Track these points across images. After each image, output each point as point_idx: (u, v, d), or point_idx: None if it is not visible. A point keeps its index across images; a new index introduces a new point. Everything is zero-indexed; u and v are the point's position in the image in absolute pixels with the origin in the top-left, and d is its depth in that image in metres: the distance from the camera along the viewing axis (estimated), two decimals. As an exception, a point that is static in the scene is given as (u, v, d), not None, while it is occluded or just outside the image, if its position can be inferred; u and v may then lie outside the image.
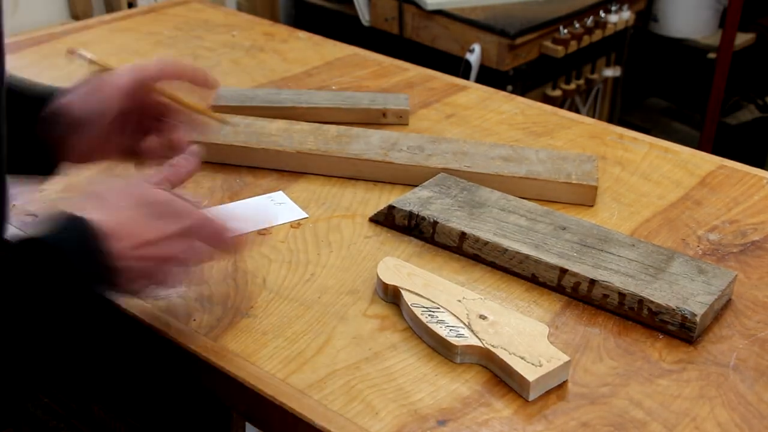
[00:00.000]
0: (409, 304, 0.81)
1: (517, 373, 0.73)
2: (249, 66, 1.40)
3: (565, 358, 0.75)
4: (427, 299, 0.82)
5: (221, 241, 0.76)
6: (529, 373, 0.73)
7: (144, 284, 0.74)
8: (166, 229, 0.73)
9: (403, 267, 0.86)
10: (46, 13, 2.22)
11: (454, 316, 0.80)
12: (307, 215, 0.99)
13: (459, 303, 0.81)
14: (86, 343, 0.78)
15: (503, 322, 0.79)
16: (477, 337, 0.77)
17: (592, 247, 0.89)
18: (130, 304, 0.83)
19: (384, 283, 0.84)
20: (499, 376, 0.75)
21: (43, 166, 0.86)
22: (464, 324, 0.78)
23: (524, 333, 0.77)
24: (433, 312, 0.80)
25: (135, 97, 0.85)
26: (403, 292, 0.82)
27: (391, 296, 0.84)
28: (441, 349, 0.78)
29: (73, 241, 0.69)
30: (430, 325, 0.78)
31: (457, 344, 0.76)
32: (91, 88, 0.83)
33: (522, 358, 0.74)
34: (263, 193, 1.03)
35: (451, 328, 0.78)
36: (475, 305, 0.81)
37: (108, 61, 1.42)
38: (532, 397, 0.73)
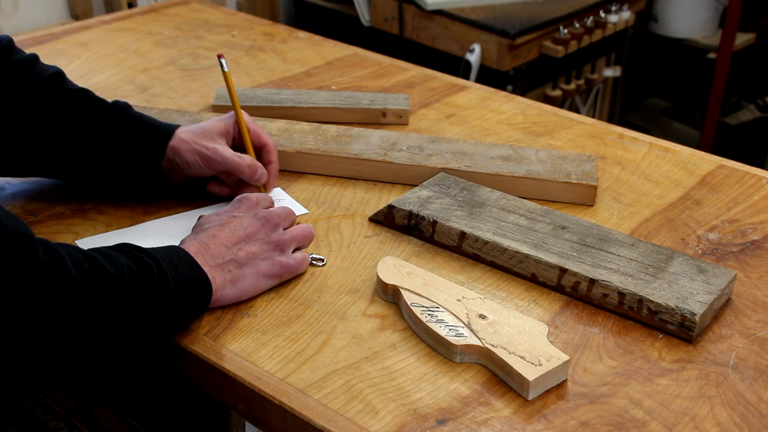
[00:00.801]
0: (408, 303, 0.81)
1: (517, 373, 0.73)
2: (249, 66, 1.40)
3: (565, 357, 0.75)
4: (427, 299, 0.82)
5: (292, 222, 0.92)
6: (529, 373, 0.73)
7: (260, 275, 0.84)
8: (246, 226, 0.86)
9: (403, 266, 0.86)
10: (46, 13, 2.22)
11: (454, 315, 0.80)
12: (307, 210, 1.00)
13: (458, 302, 0.81)
14: (155, 347, 0.82)
15: (503, 321, 0.79)
16: (476, 336, 0.77)
17: (591, 247, 0.89)
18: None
19: (383, 282, 0.84)
20: (499, 376, 0.76)
21: (157, 189, 0.99)
22: (464, 323, 0.78)
23: (524, 332, 0.77)
24: (433, 311, 0.80)
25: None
26: (402, 291, 0.82)
27: (391, 296, 0.84)
28: (440, 348, 0.78)
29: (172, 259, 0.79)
30: (429, 324, 0.78)
31: (456, 343, 0.76)
32: (200, 156, 0.96)
33: (521, 357, 0.74)
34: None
35: (450, 327, 0.78)
36: (474, 305, 0.81)
37: (109, 61, 1.42)
38: (531, 396, 0.73)
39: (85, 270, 0.69)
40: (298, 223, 0.93)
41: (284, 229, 0.89)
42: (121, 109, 0.96)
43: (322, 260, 0.90)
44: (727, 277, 0.85)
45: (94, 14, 2.27)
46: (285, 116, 1.19)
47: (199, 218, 0.89)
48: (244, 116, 1.01)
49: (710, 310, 0.82)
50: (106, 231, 0.94)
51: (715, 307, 0.83)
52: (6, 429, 1.18)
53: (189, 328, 0.80)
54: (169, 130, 0.96)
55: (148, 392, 0.95)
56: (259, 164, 0.98)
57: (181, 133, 0.96)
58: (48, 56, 1.40)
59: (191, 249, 0.81)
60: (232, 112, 1.01)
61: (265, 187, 1.01)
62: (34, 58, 0.96)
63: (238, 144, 1.01)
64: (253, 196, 0.90)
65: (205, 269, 0.80)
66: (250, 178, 0.98)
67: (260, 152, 1.01)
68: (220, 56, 1.04)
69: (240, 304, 0.84)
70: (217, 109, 1.21)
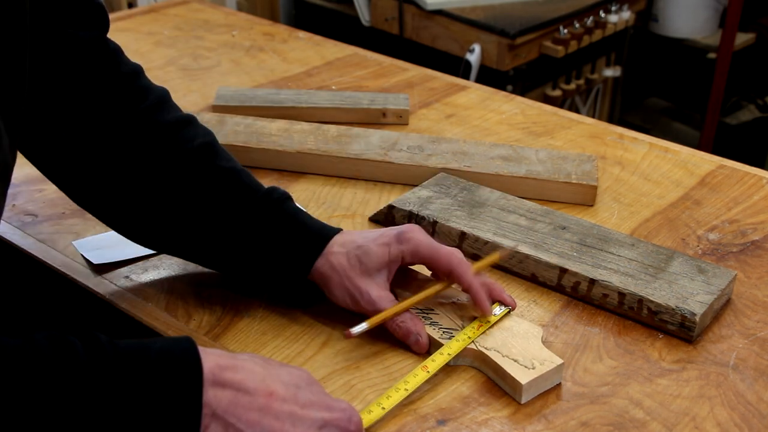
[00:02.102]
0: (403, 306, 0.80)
1: (510, 376, 0.72)
2: (249, 66, 1.40)
3: (559, 360, 0.74)
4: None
5: None
6: (522, 376, 0.72)
7: None
8: (290, 405, 0.63)
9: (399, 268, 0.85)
10: (46, 14, 2.22)
11: (448, 317, 0.79)
12: (305, 209, 0.99)
13: (453, 305, 0.81)
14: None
15: (497, 324, 0.78)
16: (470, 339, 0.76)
17: (591, 247, 0.89)
18: (131, 304, 0.83)
19: None
20: (492, 379, 0.75)
21: (307, 300, 0.84)
22: (458, 326, 0.78)
23: (518, 335, 0.77)
24: (428, 314, 0.79)
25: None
26: (396, 292, 0.81)
27: None
28: (434, 351, 0.77)
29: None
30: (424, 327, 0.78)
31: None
32: (348, 293, 0.78)
33: (515, 360, 0.74)
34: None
35: (444, 329, 0.77)
36: (469, 307, 0.80)
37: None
38: (524, 399, 0.72)
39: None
40: None
41: None
42: (273, 202, 0.80)
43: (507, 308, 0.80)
44: (727, 277, 0.85)
45: (94, 14, 2.27)
46: (285, 116, 1.19)
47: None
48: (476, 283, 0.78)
49: (710, 311, 0.82)
50: (105, 231, 0.94)
51: (715, 308, 0.83)
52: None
53: (189, 328, 0.80)
54: (321, 243, 0.79)
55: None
56: (415, 329, 0.77)
57: (334, 255, 0.78)
58: (48, 56, 1.40)
59: (221, 374, 0.61)
60: (408, 231, 0.79)
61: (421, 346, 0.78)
62: (190, 119, 0.84)
63: (407, 264, 0.81)
64: (359, 427, 0.66)
65: (206, 411, 0.59)
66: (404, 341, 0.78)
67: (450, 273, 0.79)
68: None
69: (240, 305, 0.83)
70: (217, 109, 1.21)
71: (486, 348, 0.75)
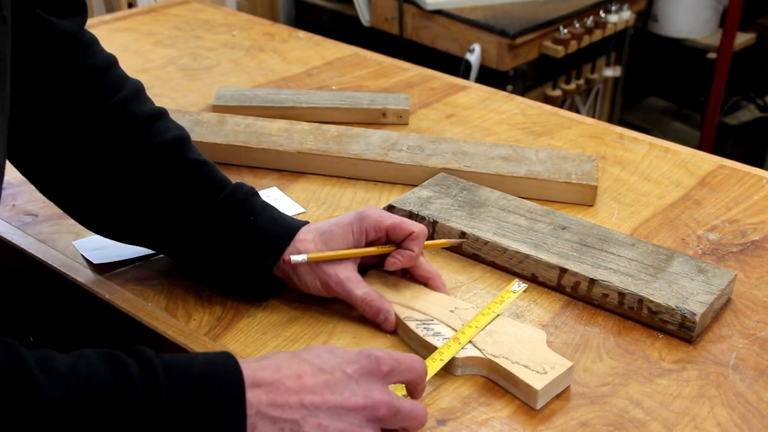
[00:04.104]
0: (401, 317, 0.79)
1: (523, 382, 0.72)
2: (249, 66, 1.40)
3: (568, 363, 0.74)
4: (419, 311, 0.80)
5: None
6: (536, 382, 0.71)
7: None
8: (335, 396, 0.62)
9: (389, 279, 0.85)
10: (46, 14, 2.22)
11: (450, 327, 0.78)
12: (304, 209, 0.99)
13: (452, 313, 0.80)
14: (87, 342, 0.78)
15: (500, 330, 0.78)
16: (477, 347, 0.75)
17: (591, 247, 0.89)
18: (131, 303, 0.83)
19: None
20: (503, 386, 0.74)
21: (267, 293, 0.85)
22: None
23: (523, 340, 0.76)
24: (428, 324, 0.78)
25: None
26: (393, 305, 0.81)
27: None
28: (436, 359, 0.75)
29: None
30: (426, 338, 0.76)
31: (457, 357, 0.75)
32: (324, 277, 0.81)
33: (526, 366, 0.73)
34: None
35: (448, 340, 0.76)
36: (468, 315, 0.79)
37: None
38: (539, 405, 0.72)
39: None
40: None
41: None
42: (238, 202, 0.82)
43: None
44: (727, 277, 0.85)
45: (94, 14, 2.27)
46: (285, 116, 1.19)
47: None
48: (396, 218, 0.83)
49: (710, 310, 0.82)
50: (106, 231, 0.94)
51: (715, 307, 0.83)
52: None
53: (189, 328, 0.80)
54: (287, 236, 0.81)
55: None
56: (384, 307, 0.80)
57: (301, 243, 0.81)
58: (48, 56, 1.40)
59: (253, 374, 0.61)
60: (366, 210, 0.83)
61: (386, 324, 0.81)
62: (162, 112, 0.84)
63: (371, 240, 0.84)
64: (386, 360, 0.65)
65: (250, 412, 0.59)
66: (372, 319, 0.81)
67: (404, 240, 0.83)
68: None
69: (240, 305, 0.83)
70: (217, 109, 1.21)
71: (494, 356, 0.74)
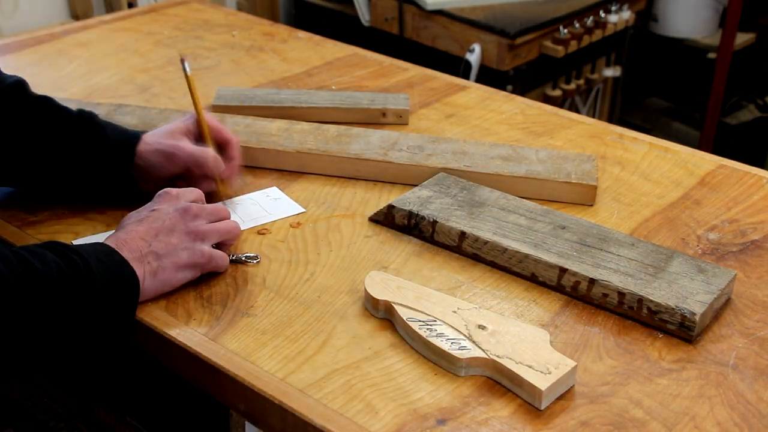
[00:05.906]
0: (404, 318, 0.79)
1: (528, 383, 0.72)
2: (249, 66, 1.40)
3: (572, 363, 0.74)
4: (422, 312, 0.80)
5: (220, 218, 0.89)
6: (540, 382, 0.71)
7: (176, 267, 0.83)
8: (163, 218, 0.85)
9: (391, 280, 0.84)
10: (46, 13, 2.22)
11: (453, 328, 0.78)
12: (304, 209, 1.00)
13: (455, 314, 0.80)
14: (88, 342, 0.79)
15: (503, 330, 0.78)
16: (480, 348, 0.75)
17: (591, 247, 0.89)
18: (130, 303, 0.83)
19: (374, 298, 0.82)
20: (506, 387, 0.74)
21: (128, 196, 0.98)
22: (465, 335, 0.77)
23: (526, 341, 0.76)
24: (431, 325, 0.78)
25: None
26: (395, 306, 0.80)
27: (383, 311, 0.82)
28: (443, 363, 0.76)
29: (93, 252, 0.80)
30: (430, 339, 0.76)
31: (461, 357, 0.74)
32: (165, 154, 0.96)
33: (530, 366, 0.73)
34: (263, 193, 1.03)
35: (452, 341, 0.76)
36: (471, 315, 0.79)
37: (109, 61, 1.42)
38: (544, 405, 0.72)
39: (14, 267, 0.72)
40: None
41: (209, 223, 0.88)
42: (87, 118, 0.96)
43: (256, 258, 0.90)
44: (727, 277, 0.85)
45: (94, 14, 2.27)
46: (285, 116, 1.19)
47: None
48: (206, 115, 1.01)
49: (710, 310, 0.82)
50: (105, 231, 0.94)
51: (715, 307, 0.83)
52: (6, 429, 1.18)
53: (189, 328, 0.80)
54: (135, 137, 0.97)
55: (148, 392, 0.95)
56: (219, 158, 0.98)
57: (146, 137, 0.97)
58: (48, 56, 1.40)
59: (111, 245, 0.82)
60: (194, 112, 1.00)
61: (224, 182, 1.00)
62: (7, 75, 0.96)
63: (201, 143, 1.01)
64: (174, 190, 0.90)
65: (128, 257, 0.80)
66: (215, 170, 0.97)
67: (224, 149, 1.01)
68: (183, 60, 1.03)
69: (240, 305, 0.84)
70: (217, 109, 1.21)
71: (498, 356, 0.74)
